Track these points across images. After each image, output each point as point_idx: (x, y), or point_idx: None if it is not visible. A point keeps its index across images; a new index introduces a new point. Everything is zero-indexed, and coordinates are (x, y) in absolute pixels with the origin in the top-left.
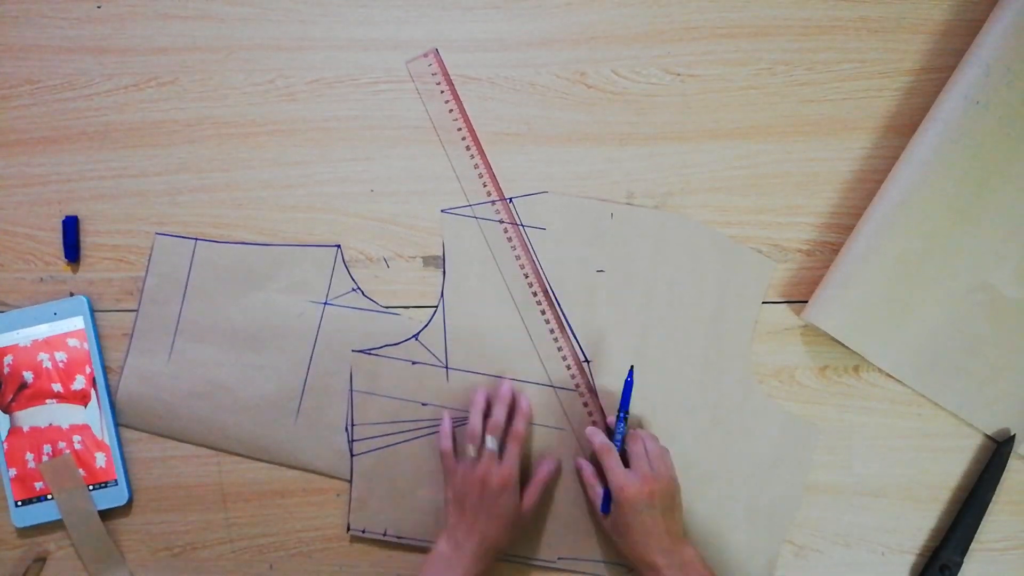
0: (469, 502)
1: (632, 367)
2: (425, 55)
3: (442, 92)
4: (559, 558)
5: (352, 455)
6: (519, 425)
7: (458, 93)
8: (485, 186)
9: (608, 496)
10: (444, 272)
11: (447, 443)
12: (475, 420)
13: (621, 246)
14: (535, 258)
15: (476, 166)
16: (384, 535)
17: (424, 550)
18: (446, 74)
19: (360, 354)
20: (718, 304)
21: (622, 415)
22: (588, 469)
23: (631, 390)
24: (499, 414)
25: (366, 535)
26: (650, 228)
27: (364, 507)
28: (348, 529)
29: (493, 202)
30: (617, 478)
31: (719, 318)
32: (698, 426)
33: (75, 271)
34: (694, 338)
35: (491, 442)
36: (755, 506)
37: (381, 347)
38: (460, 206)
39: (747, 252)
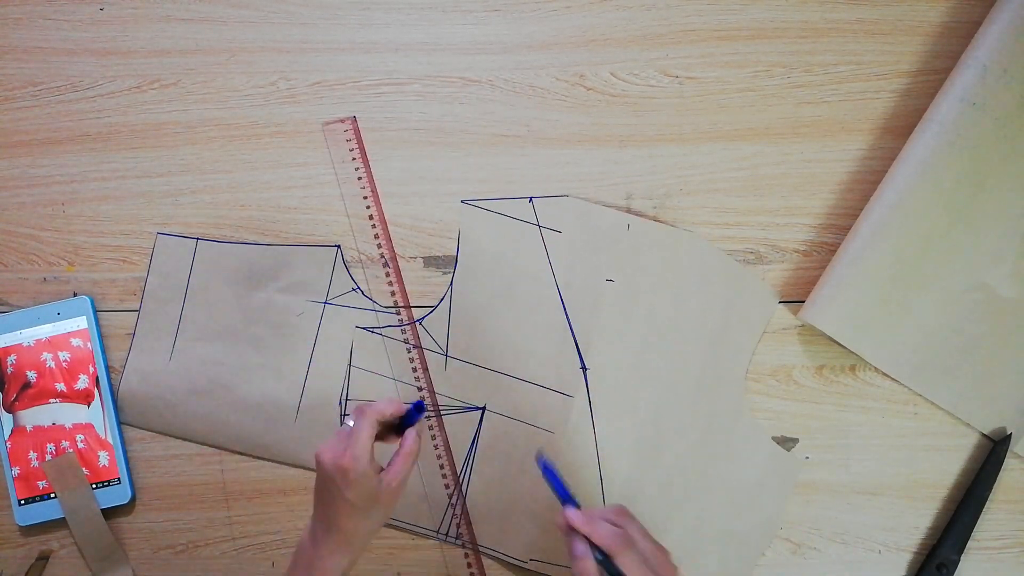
0: (318, 483)
1: (540, 452)
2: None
3: (354, 159)
4: (531, 559)
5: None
6: (377, 403)
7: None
8: (380, 247)
9: None
10: (456, 260)
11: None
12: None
13: (634, 259)
14: (548, 261)
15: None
16: None
17: (407, 532)
18: (360, 141)
19: (363, 330)
20: (720, 329)
21: (572, 503)
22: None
23: (553, 470)
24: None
25: None
26: (665, 244)
27: None
28: None
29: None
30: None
31: (719, 342)
32: (685, 445)
33: (78, 272)
34: (692, 359)
35: (348, 420)
36: (730, 531)
37: (384, 327)
38: (482, 199)
39: (756, 282)
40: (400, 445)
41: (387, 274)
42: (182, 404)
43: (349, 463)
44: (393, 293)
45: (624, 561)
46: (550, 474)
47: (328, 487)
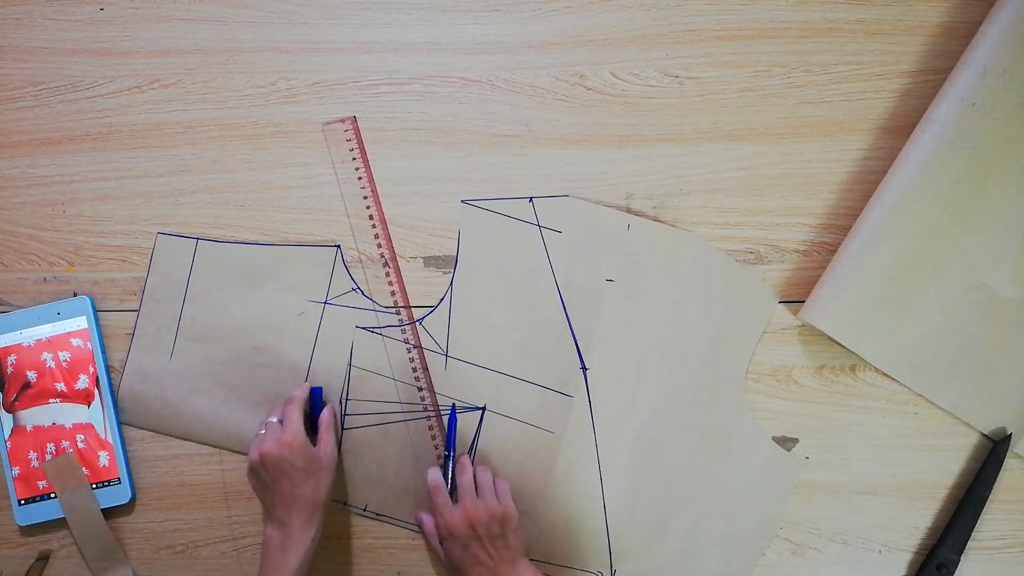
0: (268, 477)
1: (454, 405)
2: (342, 120)
3: (354, 159)
4: (531, 559)
5: (342, 428)
6: (294, 391)
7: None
8: (380, 247)
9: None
10: (456, 260)
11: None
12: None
13: (634, 258)
14: (548, 261)
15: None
16: (364, 510)
17: (404, 529)
18: (360, 142)
19: (362, 331)
20: (721, 329)
21: (449, 454)
22: (426, 522)
23: (455, 428)
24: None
25: (347, 507)
26: (665, 244)
27: (349, 481)
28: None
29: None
30: (440, 516)
31: (719, 343)
32: (685, 445)
33: (78, 272)
34: (692, 359)
35: (268, 421)
36: (730, 531)
37: (384, 327)
38: (482, 199)
39: (756, 283)
40: (319, 423)
41: (387, 274)
42: (183, 404)
43: (292, 439)
44: (393, 293)
45: (432, 501)
46: (451, 424)
47: (280, 469)
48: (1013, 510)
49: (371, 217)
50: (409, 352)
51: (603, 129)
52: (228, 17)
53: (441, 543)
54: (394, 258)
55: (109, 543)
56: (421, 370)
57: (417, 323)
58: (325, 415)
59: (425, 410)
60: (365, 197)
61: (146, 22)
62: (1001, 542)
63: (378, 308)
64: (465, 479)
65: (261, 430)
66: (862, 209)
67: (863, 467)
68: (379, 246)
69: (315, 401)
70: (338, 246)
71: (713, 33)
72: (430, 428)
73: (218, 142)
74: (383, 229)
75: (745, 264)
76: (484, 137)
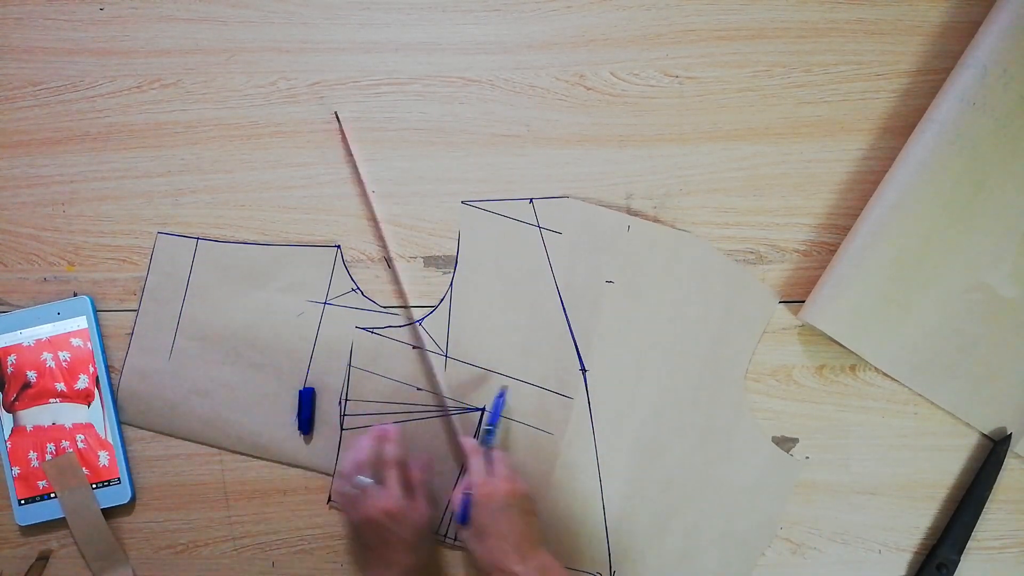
0: (370, 540)
1: (506, 388)
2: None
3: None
4: None
5: (342, 429)
6: (389, 452)
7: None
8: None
9: (467, 503)
10: (456, 261)
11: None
12: (348, 463)
13: (634, 259)
14: (549, 262)
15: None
16: None
17: None
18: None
19: (362, 331)
20: (721, 329)
21: (491, 428)
22: (457, 492)
23: (502, 406)
24: (361, 451)
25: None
26: (665, 245)
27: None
28: (328, 500)
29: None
30: (478, 475)
31: (719, 343)
32: (685, 446)
33: (78, 272)
34: (692, 359)
35: (360, 480)
36: (729, 532)
37: (384, 327)
38: (481, 200)
39: (755, 283)
40: (414, 483)
41: (387, 274)
42: (182, 404)
43: (394, 508)
44: (393, 293)
45: (469, 463)
46: (497, 408)
47: (382, 537)
48: (1013, 510)
49: (368, 217)
50: (413, 351)
51: (603, 129)
52: (228, 17)
53: (462, 511)
54: (390, 258)
55: (109, 543)
56: (425, 370)
57: (417, 323)
58: (417, 474)
59: (438, 408)
60: (360, 196)
61: (146, 22)
62: (1001, 542)
63: (378, 308)
64: (500, 455)
65: (350, 487)
66: (862, 209)
67: (863, 467)
68: (379, 247)
69: (304, 402)
70: (338, 246)
71: (713, 33)
72: (445, 430)
73: (218, 142)
74: (376, 229)
75: (745, 264)
76: (484, 137)
